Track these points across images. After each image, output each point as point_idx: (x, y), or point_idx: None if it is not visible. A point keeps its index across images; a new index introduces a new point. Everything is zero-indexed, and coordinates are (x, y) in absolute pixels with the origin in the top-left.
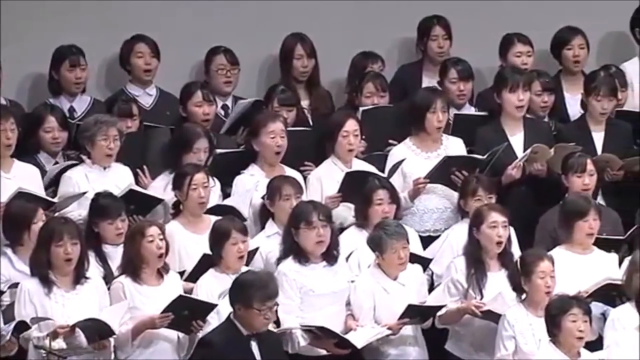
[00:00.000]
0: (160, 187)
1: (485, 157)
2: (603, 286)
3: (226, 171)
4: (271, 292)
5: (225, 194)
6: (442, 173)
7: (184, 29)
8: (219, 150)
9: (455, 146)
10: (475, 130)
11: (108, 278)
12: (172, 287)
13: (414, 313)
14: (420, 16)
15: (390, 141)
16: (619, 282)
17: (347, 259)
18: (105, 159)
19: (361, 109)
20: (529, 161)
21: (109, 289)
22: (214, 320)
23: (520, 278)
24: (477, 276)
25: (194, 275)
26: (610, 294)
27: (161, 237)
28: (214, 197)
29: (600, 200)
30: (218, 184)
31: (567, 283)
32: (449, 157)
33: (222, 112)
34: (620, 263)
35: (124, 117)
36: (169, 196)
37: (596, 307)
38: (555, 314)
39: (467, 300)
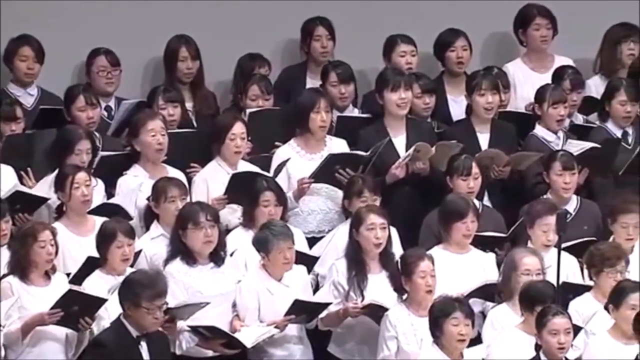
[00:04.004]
0: (44, 191)
1: (368, 154)
2: (481, 286)
3: (111, 173)
4: (160, 291)
5: (110, 195)
6: (327, 172)
7: (67, 29)
8: (103, 153)
9: (338, 147)
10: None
11: None
12: (59, 288)
13: (301, 309)
14: (304, 18)
15: (277, 143)
16: (496, 283)
17: (230, 254)
18: None
19: (248, 111)
20: (412, 160)
21: None
22: (105, 322)
23: (401, 278)
24: (357, 278)
25: (78, 278)
26: (489, 292)
27: (52, 242)
28: (98, 196)
29: (486, 200)
30: (101, 183)
31: (444, 282)
32: (332, 154)
33: (106, 114)
34: (501, 262)
35: (8, 121)
36: (54, 198)
37: (475, 305)
38: (437, 317)
39: (348, 302)
